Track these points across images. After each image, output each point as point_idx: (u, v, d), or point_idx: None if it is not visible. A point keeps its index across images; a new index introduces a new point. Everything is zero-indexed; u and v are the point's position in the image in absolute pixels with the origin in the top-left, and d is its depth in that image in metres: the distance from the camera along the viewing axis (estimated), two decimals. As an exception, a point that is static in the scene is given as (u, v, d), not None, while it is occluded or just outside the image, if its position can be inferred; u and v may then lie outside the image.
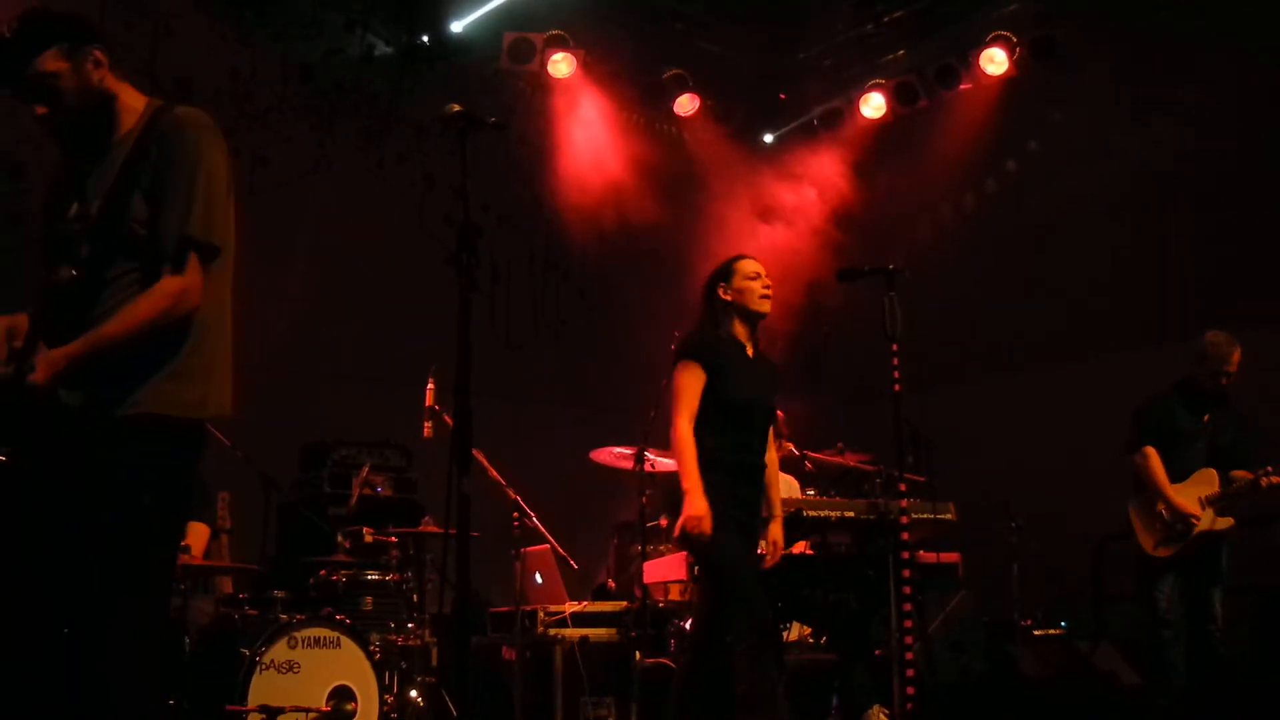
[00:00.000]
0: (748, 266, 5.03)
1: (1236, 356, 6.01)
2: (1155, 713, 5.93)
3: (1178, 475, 6.01)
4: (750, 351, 5.03)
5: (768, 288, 5.00)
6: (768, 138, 10.56)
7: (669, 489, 5.18)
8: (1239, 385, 6.05)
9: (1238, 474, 6.03)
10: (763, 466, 5.00)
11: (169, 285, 2.98)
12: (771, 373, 5.12)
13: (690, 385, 4.86)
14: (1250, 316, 7.29)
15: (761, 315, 5.01)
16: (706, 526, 4.62)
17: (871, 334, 4.99)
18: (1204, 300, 8.16)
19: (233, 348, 3.22)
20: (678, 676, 4.88)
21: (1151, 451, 6.03)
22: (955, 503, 6.06)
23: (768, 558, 4.96)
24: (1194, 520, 5.88)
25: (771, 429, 5.15)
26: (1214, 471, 6.02)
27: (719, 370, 4.86)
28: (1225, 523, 5.95)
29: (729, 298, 4.98)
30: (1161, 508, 5.95)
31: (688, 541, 4.79)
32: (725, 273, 5.04)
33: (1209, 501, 5.95)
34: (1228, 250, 8.22)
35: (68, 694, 2.91)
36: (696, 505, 4.63)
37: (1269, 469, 5.92)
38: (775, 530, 5.01)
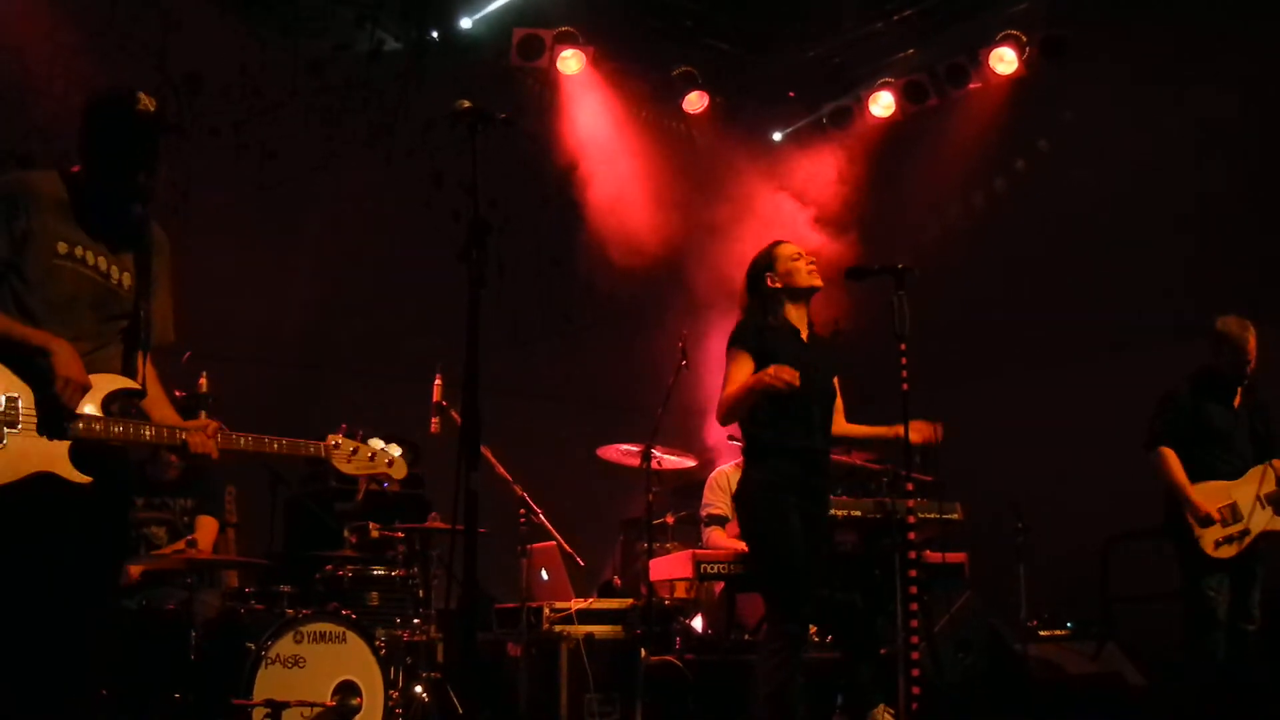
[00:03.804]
0: (787, 249, 5.01)
1: (1254, 339, 5.91)
2: (1184, 696, 5.83)
3: (1228, 474, 5.87)
4: (805, 335, 4.98)
5: (812, 264, 4.97)
6: (776, 136, 10.52)
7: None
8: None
9: None
10: (827, 452, 4.95)
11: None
12: (829, 353, 5.06)
13: (738, 373, 4.82)
14: (1258, 314, 7.25)
15: (814, 290, 4.98)
16: (791, 376, 4.58)
17: (880, 333, 4.97)
18: (1214, 300, 8.11)
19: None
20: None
21: (1168, 451, 5.89)
22: (962, 502, 6.06)
23: (936, 431, 4.96)
24: (1238, 517, 5.73)
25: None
26: (1269, 468, 5.87)
27: (771, 357, 4.78)
28: None
29: (778, 284, 4.94)
30: (1220, 508, 5.77)
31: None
32: (767, 261, 5.00)
33: (1268, 499, 5.80)
34: (1238, 250, 8.19)
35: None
36: (774, 373, 4.58)
37: None
38: (899, 428, 4.88)
